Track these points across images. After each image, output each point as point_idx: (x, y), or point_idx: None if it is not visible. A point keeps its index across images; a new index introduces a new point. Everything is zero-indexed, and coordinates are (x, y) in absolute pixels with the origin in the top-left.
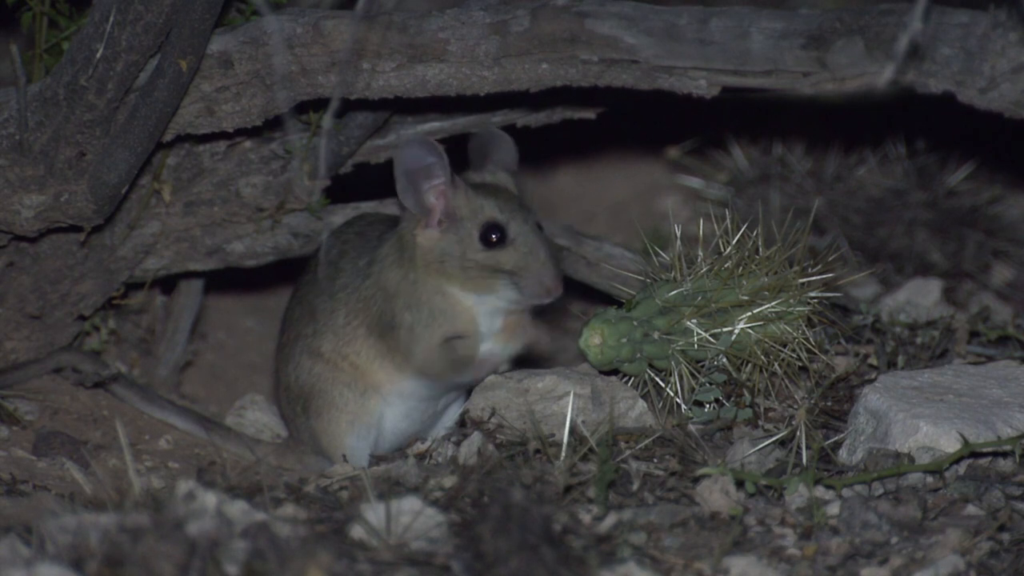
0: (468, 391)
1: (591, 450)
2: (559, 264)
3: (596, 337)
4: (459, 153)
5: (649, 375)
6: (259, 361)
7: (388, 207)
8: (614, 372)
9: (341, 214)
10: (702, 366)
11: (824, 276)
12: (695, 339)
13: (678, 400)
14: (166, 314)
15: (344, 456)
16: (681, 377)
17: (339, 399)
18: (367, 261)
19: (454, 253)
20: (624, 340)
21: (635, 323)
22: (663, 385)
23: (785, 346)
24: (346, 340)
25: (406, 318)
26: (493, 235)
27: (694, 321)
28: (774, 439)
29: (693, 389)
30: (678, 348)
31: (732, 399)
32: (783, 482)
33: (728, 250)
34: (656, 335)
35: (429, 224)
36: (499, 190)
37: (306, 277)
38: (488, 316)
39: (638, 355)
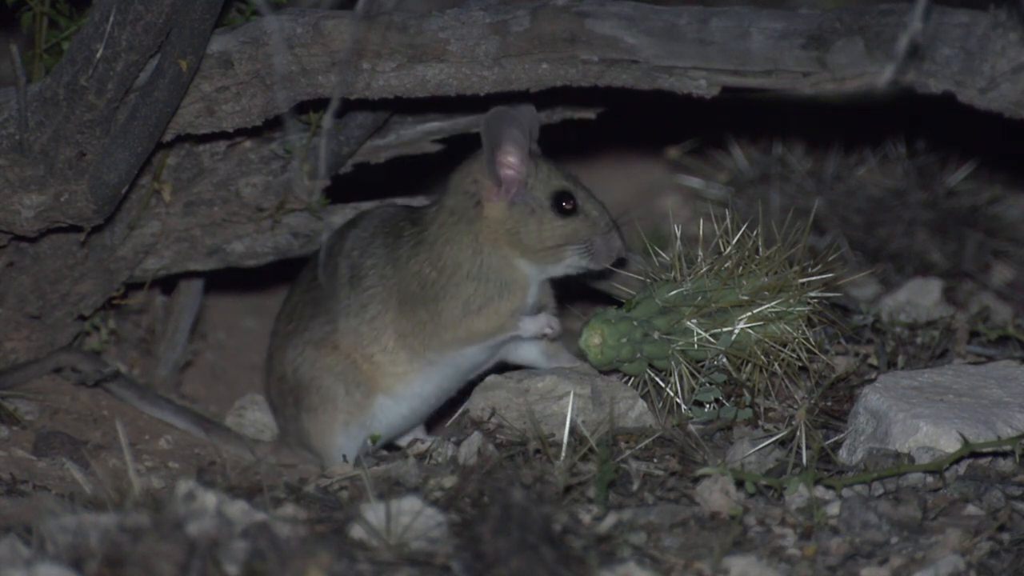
0: (468, 391)
1: (591, 450)
2: (620, 226)
3: (596, 337)
4: (459, 152)
5: (649, 375)
6: (259, 361)
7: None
8: (614, 372)
9: (341, 214)
10: (702, 366)
11: (824, 276)
12: (695, 339)
13: (678, 400)
14: (166, 314)
15: (344, 457)
16: (681, 377)
17: (341, 399)
18: (411, 245)
19: (530, 226)
20: (624, 340)
21: (635, 323)
22: (663, 385)
23: (785, 346)
24: (372, 335)
25: (464, 287)
26: (565, 203)
27: (694, 321)
28: (774, 439)
29: (693, 389)
30: (678, 348)
31: (732, 399)
32: (783, 482)
33: (728, 250)
34: (656, 335)
35: (497, 196)
36: (550, 161)
37: (314, 271)
38: (537, 286)
39: (638, 355)
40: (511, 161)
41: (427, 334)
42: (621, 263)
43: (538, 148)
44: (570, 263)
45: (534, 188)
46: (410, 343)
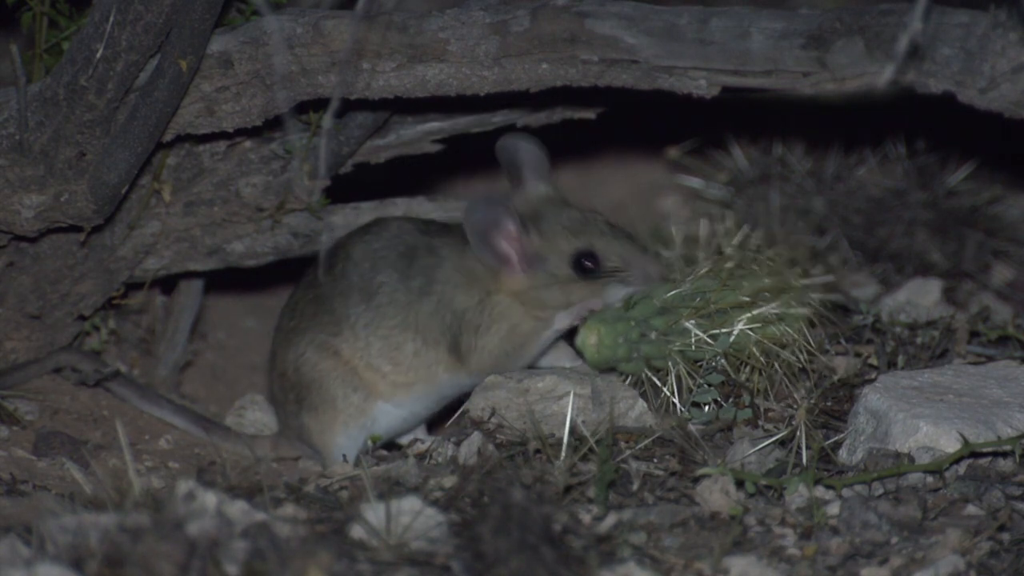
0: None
1: (591, 450)
2: (645, 247)
3: (593, 336)
4: (459, 152)
5: (646, 375)
6: (259, 361)
7: (388, 207)
8: (613, 371)
9: (341, 214)
10: (701, 367)
11: (824, 278)
12: (693, 340)
13: (674, 400)
14: (166, 314)
15: (344, 456)
16: (679, 378)
17: (341, 401)
18: (423, 281)
19: (554, 291)
20: (621, 340)
21: (632, 323)
22: (659, 385)
23: (784, 347)
24: (383, 349)
25: (479, 324)
26: (586, 262)
27: (692, 322)
28: (774, 439)
29: (691, 390)
30: (676, 349)
31: (731, 400)
32: (783, 482)
33: (728, 251)
34: (653, 335)
35: (511, 271)
36: (559, 210)
37: (322, 272)
38: (563, 319)
39: (635, 355)
40: (506, 238)
41: (455, 361)
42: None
43: (550, 186)
44: (610, 296)
45: (549, 255)
46: (430, 365)
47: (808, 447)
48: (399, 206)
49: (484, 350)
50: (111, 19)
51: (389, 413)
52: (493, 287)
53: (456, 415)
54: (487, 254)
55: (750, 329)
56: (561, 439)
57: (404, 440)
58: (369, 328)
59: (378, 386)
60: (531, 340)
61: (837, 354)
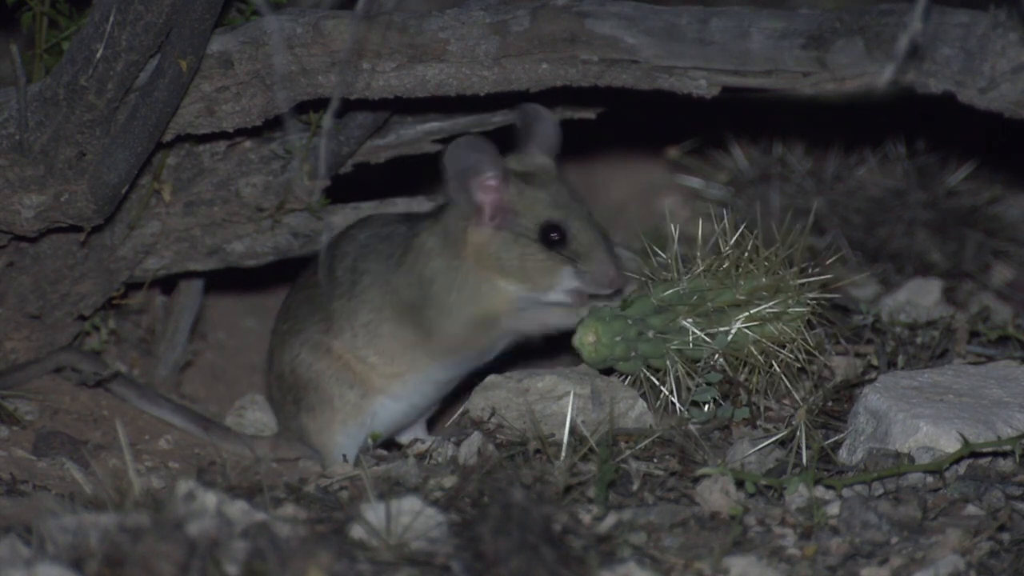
0: (468, 389)
1: (591, 450)
2: (616, 255)
3: (590, 335)
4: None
5: (644, 374)
6: (259, 361)
7: (388, 207)
8: (611, 370)
9: (341, 214)
10: (699, 366)
11: (822, 277)
12: (690, 338)
13: (672, 399)
14: (166, 314)
15: (344, 456)
16: (677, 378)
17: (338, 399)
18: (400, 252)
19: (512, 252)
20: (618, 338)
21: (629, 321)
22: (657, 383)
23: (784, 347)
24: (366, 339)
25: (443, 299)
26: (553, 234)
27: (689, 320)
28: (774, 439)
29: (689, 389)
30: (674, 347)
31: (729, 399)
32: (783, 482)
33: (726, 250)
34: (651, 334)
35: (481, 221)
36: (550, 181)
37: (314, 270)
38: (528, 303)
39: (633, 353)
40: (484, 186)
41: (419, 340)
42: (618, 293)
43: (552, 162)
44: (561, 286)
45: (521, 215)
46: (406, 348)
47: (808, 447)
48: (399, 206)
49: (448, 322)
50: (111, 19)
51: (388, 407)
52: (462, 248)
53: (456, 415)
54: (460, 198)
55: (748, 328)
56: (561, 439)
57: (404, 440)
58: (354, 317)
59: (372, 380)
60: (494, 321)
61: (837, 354)
